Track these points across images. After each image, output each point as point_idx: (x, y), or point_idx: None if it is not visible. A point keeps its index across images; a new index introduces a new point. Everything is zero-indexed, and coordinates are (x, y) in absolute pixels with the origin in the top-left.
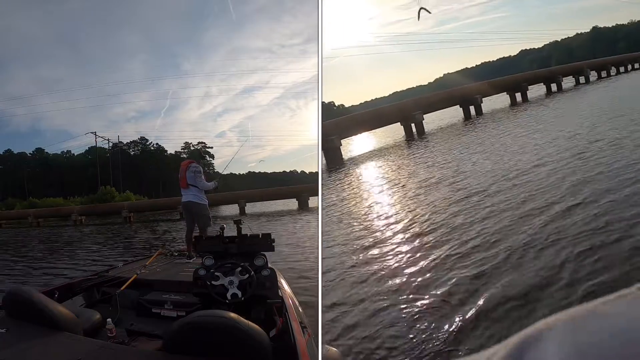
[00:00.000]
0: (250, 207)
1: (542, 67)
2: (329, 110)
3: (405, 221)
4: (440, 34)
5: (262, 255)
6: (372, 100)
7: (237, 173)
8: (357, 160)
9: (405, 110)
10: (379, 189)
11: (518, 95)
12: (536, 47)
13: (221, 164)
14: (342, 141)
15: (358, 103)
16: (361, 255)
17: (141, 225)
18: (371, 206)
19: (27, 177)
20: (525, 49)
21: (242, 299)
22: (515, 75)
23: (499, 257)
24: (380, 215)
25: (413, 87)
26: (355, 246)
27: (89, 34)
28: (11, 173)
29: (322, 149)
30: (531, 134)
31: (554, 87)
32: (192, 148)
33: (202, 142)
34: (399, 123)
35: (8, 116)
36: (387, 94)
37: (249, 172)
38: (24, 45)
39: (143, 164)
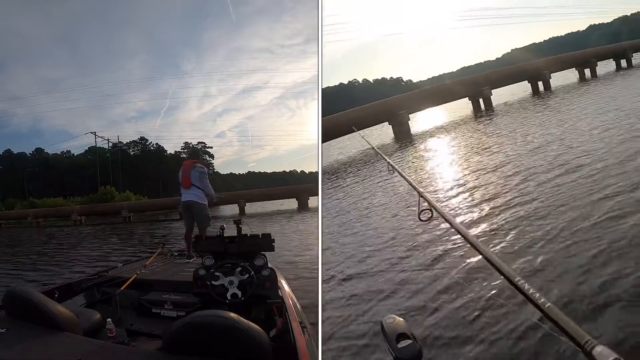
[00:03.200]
0: (249, 207)
1: (611, 43)
2: (398, 85)
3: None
4: (508, 9)
5: (262, 255)
6: (439, 75)
7: (236, 173)
8: (425, 135)
9: (473, 85)
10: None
11: (587, 71)
12: (605, 22)
13: (221, 164)
14: (410, 116)
15: (426, 78)
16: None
17: (147, 224)
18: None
19: (27, 177)
20: (594, 24)
21: (242, 299)
22: (584, 50)
23: None
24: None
25: (481, 63)
26: None
27: (89, 34)
28: (11, 173)
29: (392, 124)
30: (603, 113)
31: (623, 62)
32: (191, 147)
33: (201, 142)
34: (467, 98)
35: (8, 116)
36: (454, 69)
37: (249, 172)
38: (24, 45)
39: (143, 164)
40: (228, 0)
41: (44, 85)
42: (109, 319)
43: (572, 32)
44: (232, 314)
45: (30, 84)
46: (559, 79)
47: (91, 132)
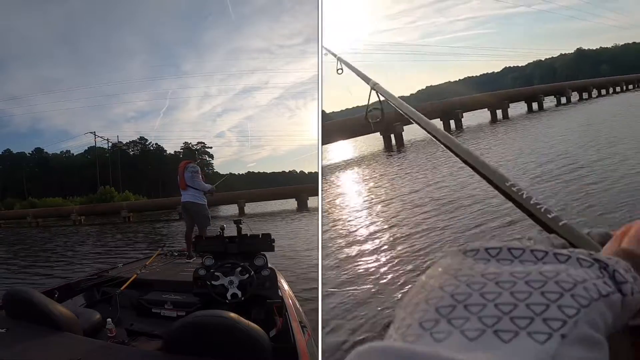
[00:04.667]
0: (248, 207)
1: (524, 85)
2: None
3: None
4: (425, 47)
5: (262, 255)
6: (353, 107)
7: (236, 173)
8: (333, 168)
9: (385, 120)
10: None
11: (499, 112)
12: (520, 65)
13: (220, 163)
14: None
15: (339, 110)
16: None
17: (147, 224)
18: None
19: (26, 177)
20: (509, 66)
21: (242, 299)
22: (497, 92)
23: None
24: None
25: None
26: None
27: (89, 34)
28: (10, 173)
29: None
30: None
31: (535, 105)
32: (188, 147)
33: (201, 142)
34: (378, 133)
35: (7, 116)
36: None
37: (248, 172)
38: (24, 45)
39: (142, 164)
40: (228, 0)
41: (43, 85)
42: (109, 319)
43: (487, 73)
44: (232, 314)
45: (30, 84)
46: (471, 118)
47: (91, 132)
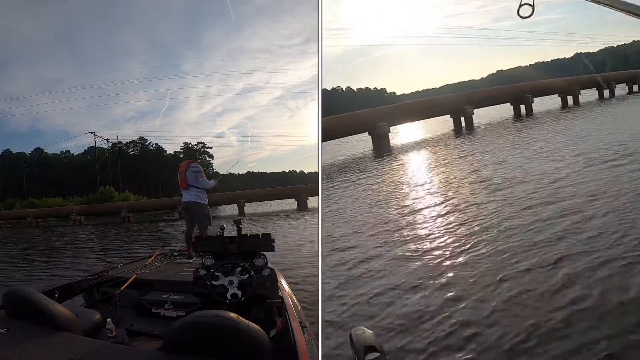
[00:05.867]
0: (248, 207)
1: (596, 72)
2: (381, 97)
3: None
4: (497, 31)
5: (262, 255)
6: (423, 90)
7: (236, 173)
8: (405, 149)
9: (456, 103)
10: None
11: (570, 98)
12: (591, 52)
13: (220, 164)
14: (391, 128)
15: (409, 92)
16: None
17: (147, 224)
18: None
19: (26, 177)
20: (580, 52)
21: (242, 299)
22: (568, 77)
23: None
24: None
25: (465, 81)
26: None
27: (89, 34)
28: (10, 173)
29: (372, 135)
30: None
31: (606, 93)
32: (188, 147)
33: (201, 142)
34: (448, 115)
35: (7, 116)
36: (438, 86)
37: (248, 172)
38: (24, 45)
39: (142, 164)
40: (228, 1)
41: (43, 85)
42: (109, 319)
43: (558, 59)
44: (232, 314)
45: (30, 84)
46: (541, 104)
47: (90, 132)
